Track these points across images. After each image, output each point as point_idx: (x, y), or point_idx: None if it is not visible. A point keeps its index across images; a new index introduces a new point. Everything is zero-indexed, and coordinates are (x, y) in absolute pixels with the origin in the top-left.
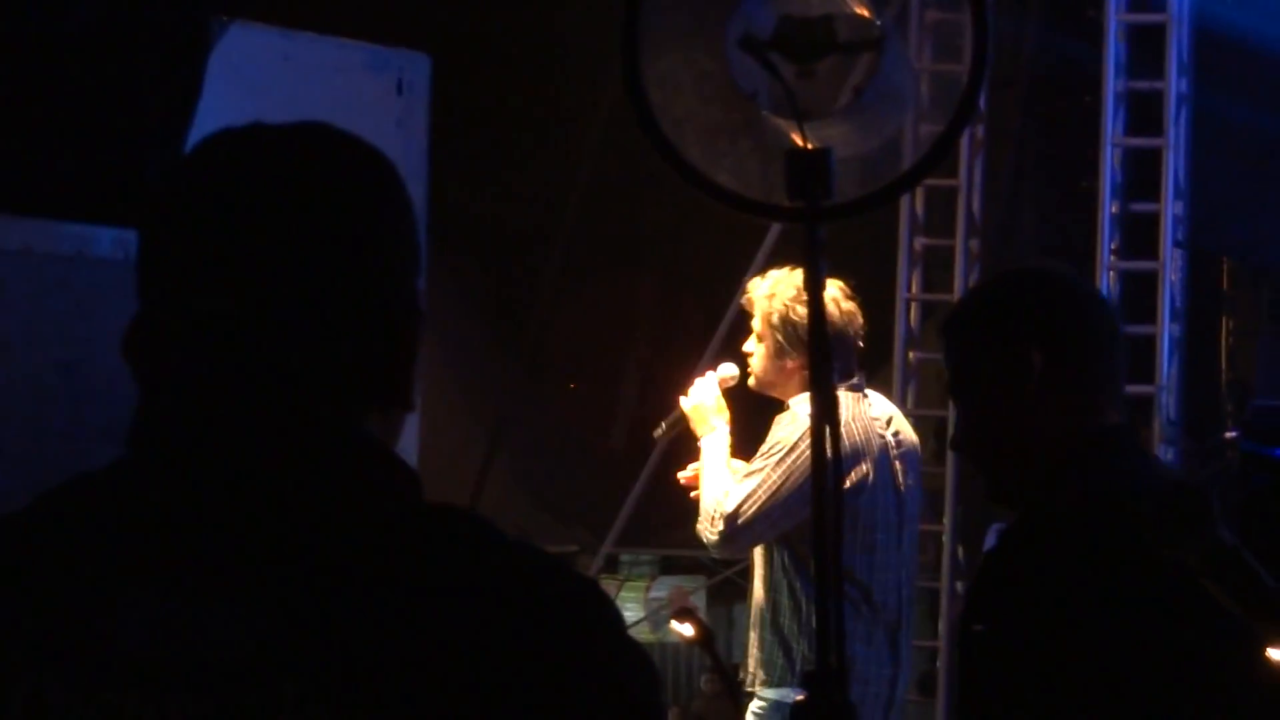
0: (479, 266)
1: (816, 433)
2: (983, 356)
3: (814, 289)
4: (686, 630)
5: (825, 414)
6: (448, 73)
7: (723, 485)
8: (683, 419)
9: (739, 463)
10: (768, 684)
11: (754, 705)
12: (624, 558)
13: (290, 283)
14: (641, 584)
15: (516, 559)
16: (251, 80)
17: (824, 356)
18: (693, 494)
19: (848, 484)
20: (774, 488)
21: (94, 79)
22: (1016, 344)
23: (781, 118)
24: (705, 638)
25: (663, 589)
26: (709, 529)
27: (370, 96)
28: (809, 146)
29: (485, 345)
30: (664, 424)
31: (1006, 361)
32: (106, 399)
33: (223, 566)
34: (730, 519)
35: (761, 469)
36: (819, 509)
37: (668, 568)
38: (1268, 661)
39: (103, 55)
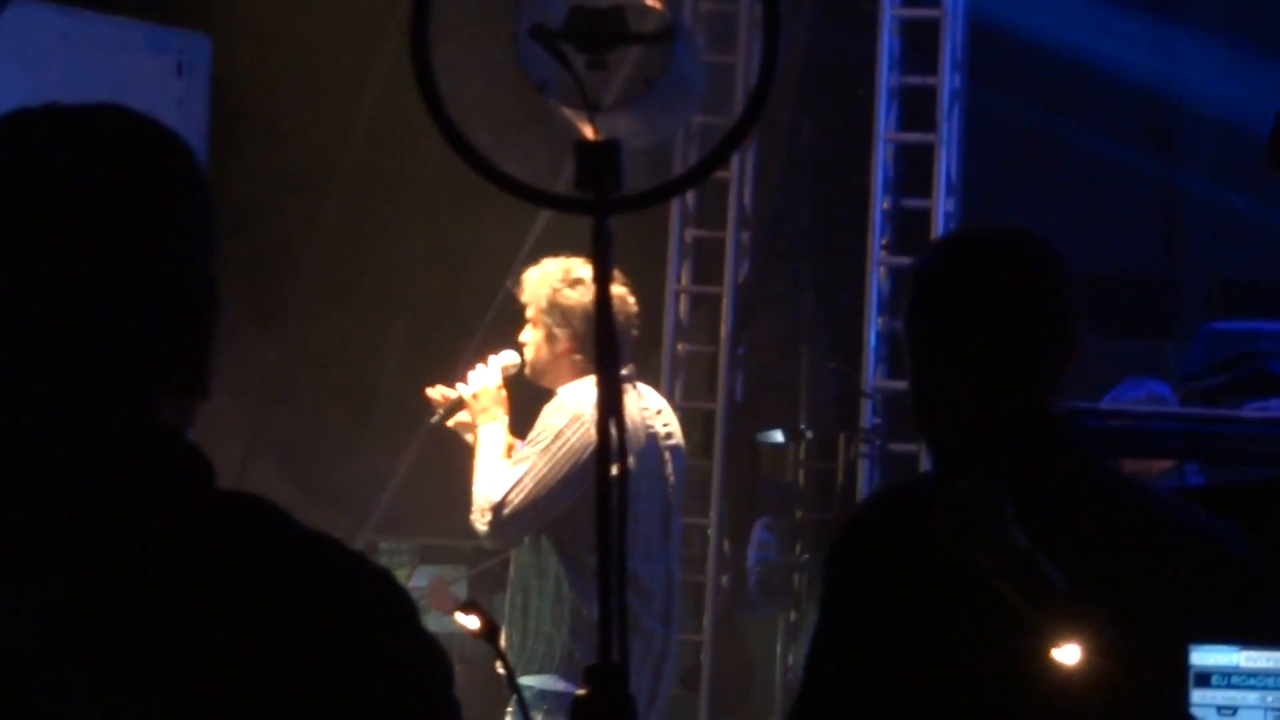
0: (244, 247)
1: (601, 424)
2: None
3: (602, 281)
4: (472, 623)
5: (609, 404)
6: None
7: (494, 475)
8: (460, 405)
9: (520, 444)
10: (526, 672)
11: (514, 696)
12: (383, 546)
13: (82, 266)
14: (402, 573)
15: (309, 548)
16: (29, 58)
17: (610, 346)
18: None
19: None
20: (539, 475)
21: None
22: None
23: (571, 108)
24: (491, 631)
25: (423, 578)
26: (479, 520)
27: (149, 76)
28: (599, 137)
29: (247, 327)
30: (440, 410)
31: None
32: None
33: (7, 553)
34: (498, 508)
35: (527, 457)
36: (602, 502)
37: (428, 556)
38: (1054, 662)
39: None
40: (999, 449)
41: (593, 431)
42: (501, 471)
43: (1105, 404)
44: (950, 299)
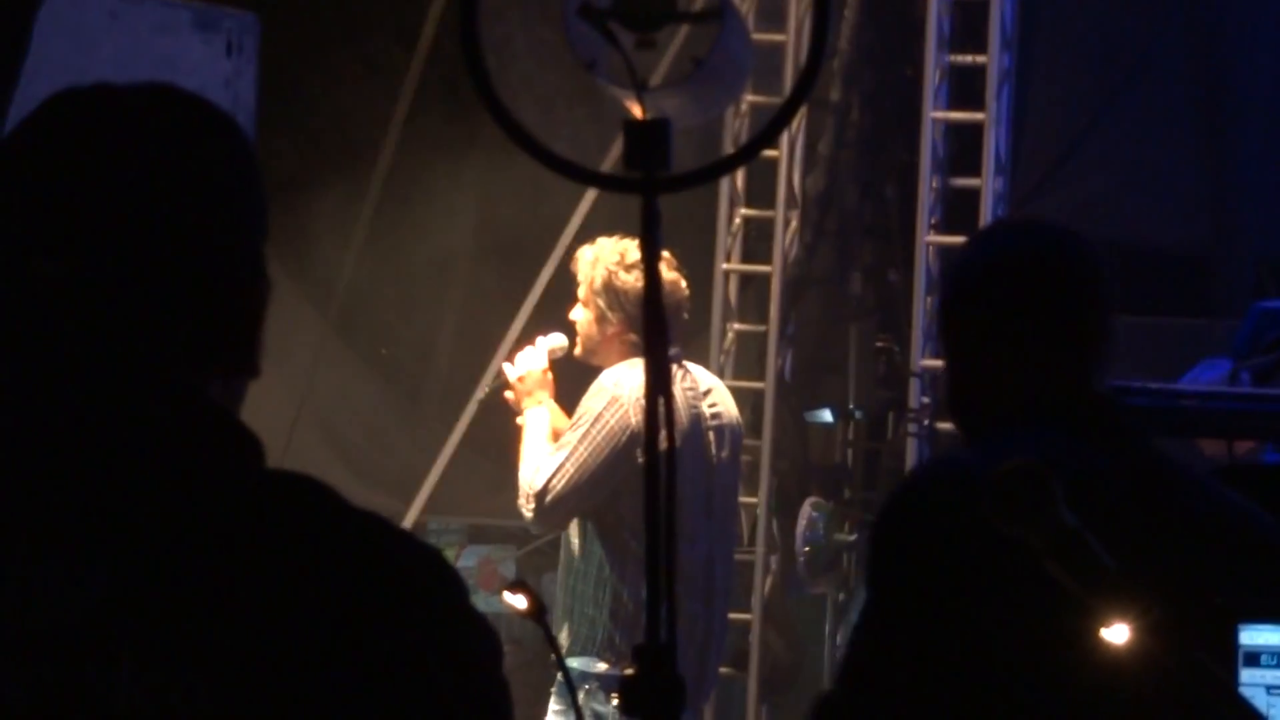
0: (289, 224)
1: (650, 406)
2: None
3: (650, 261)
4: (520, 602)
5: (658, 386)
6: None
7: (537, 461)
8: (505, 384)
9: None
10: (569, 654)
11: (559, 676)
12: (432, 525)
13: (134, 246)
14: (450, 553)
15: (358, 527)
16: (79, 38)
17: (659, 327)
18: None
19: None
20: (580, 460)
21: None
22: None
23: (620, 87)
24: (539, 611)
25: (471, 558)
26: (524, 506)
27: (198, 56)
28: (647, 117)
29: (293, 304)
30: (487, 386)
31: None
32: None
33: (60, 533)
34: (540, 495)
35: (568, 443)
36: (651, 484)
37: (476, 536)
38: (1105, 641)
39: None
40: (1049, 428)
41: (630, 414)
42: (544, 457)
43: (1184, 383)
44: (1007, 283)
